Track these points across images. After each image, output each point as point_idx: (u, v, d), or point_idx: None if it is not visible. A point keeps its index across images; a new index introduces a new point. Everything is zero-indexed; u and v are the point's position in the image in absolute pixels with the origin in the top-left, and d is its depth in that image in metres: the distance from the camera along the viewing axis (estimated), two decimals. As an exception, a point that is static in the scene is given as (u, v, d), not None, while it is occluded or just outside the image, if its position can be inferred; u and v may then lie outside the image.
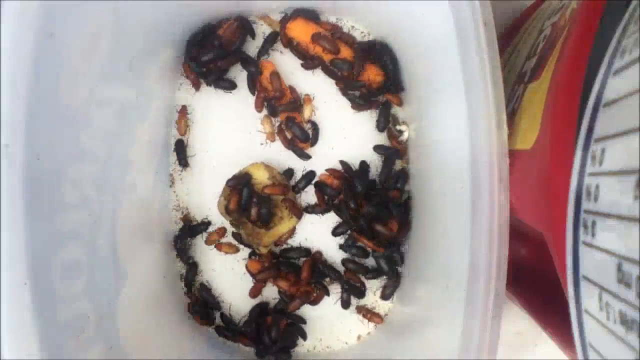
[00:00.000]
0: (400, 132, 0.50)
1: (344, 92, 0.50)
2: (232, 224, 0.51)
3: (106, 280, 0.41)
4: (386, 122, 0.50)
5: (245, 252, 0.52)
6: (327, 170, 0.51)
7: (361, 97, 0.50)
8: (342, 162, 0.51)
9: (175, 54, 0.51)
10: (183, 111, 0.52)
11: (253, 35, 0.51)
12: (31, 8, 0.33)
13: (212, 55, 0.49)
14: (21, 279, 0.33)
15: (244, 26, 0.50)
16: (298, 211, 0.50)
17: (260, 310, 0.51)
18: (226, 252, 0.52)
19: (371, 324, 0.51)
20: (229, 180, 0.50)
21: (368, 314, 0.50)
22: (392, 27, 0.47)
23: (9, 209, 0.33)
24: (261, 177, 0.50)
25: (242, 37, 0.50)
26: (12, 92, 0.33)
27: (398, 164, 0.51)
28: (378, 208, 0.47)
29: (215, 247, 0.52)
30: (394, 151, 0.50)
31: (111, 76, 0.42)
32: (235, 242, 0.52)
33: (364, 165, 0.50)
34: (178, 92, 0.53)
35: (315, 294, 0.51)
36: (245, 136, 0.52)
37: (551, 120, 0.26)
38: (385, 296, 0.50)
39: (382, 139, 0.51)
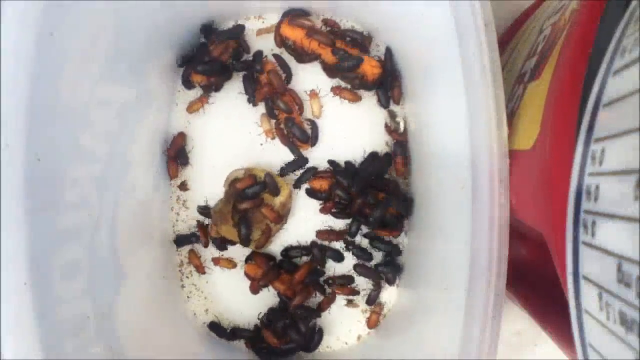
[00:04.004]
0: (398, 123, 0.50)
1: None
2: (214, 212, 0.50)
3: (106, 280, 0.41)
4: (387, 99, 0.50)
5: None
6: (313, 175, 0.51)
7: (357, 87, 0.50)
8: (330, 162, 0.51)
9: (175, 55, 0.51)
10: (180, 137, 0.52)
11: (248, 51, 0.52)
12: (31, 8, 0.33)
13: (210, 69, 0.49)
14: (21, 279, 0.33)
15: (239, 44, 0.51)
16: (267, 235, 0.49)
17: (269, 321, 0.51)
18: (225, 267, 0.52)
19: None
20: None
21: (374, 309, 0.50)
22: (392, 27, 0.47)
23: (9, 209, 0.33)
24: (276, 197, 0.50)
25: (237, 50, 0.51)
26: (12, 92, 0.33)
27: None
28: (372, 196, 0.48)
29: (212, 260, 0.52)
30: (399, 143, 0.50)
31: (111, 76, 0.41)
32: (232, 258, 0.52)
33: (348, 164, 0.51)
34: (178, 93, 0.53)
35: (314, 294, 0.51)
36: (245, 136, 0.52)
37: (551, 120, 0.26)
38: (389, 281, 0.50)
39: (382, 137, 0.51)
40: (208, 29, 0.51)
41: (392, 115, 0.51)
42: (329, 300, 0.50)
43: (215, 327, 0.52)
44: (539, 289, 0.35)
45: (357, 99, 0.50)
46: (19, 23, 0.33)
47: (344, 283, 0.50)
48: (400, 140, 0.50)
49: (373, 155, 0.50)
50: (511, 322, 0.52)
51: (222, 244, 0.51)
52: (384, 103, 0.50)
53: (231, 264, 0.52)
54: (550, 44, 0.32)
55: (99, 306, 0.39)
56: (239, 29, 0.51)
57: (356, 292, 0.51)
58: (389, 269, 0.49)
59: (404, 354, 0.43)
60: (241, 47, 0.51)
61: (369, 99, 0.51)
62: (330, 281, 0.51)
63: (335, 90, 0.50)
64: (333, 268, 0.52)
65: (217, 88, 0.52)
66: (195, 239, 0.52)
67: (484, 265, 0.31)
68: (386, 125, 0.51)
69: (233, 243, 0.51)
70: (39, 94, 0.34)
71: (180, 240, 0.52)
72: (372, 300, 0.50)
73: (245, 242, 0.49)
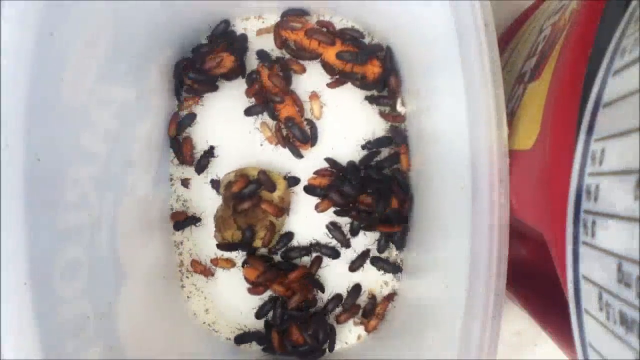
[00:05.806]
0: (393, 105, 0.51)
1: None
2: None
3: (106, 280, 0.41)
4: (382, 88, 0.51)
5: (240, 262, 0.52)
6: (314, 172, 0.51)
7: (358, 86, 0.50)
8: (327, 159, 0.51)
9: (175, 55, 0.51)
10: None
11: (244, 75, 0.51)
12: (31, 8, 0.33)
13: (197, 78, 0.49)
14: (21, 279, 0.33)
15: (238, 60, 0.50)
16: (271, 232, 0.49)
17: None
18: (224, 267, 0.52)
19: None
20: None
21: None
22: (392, 27, 0.47)
23: (9, 209, 0.33)
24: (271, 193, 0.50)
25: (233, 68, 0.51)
26: (12, 92, 0.33)
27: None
28: (374, 190, 0.48)
29: (211, 262, 0.52)
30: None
31: (111, 76, 0.41)
32: (231, 257, 0.52)
33: (350, 162, 0.51)
34: (178, 92, 0.53)
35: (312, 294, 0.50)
36: (245, 136, 0.52)
37: (551, 120, 0.26)
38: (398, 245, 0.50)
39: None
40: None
41: (389, 104, 0.51)
42: (351, 314, 0.50)
43: (242, 337, 0.51)
44: (539, 289, 0.35)
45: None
46: (19, 23, 0.33)
47: (341, 302, 0.50)
48: (396, 123, 0.50)
49: (387, 139, 0.50)
50: (511, 322, 0.52)
51: (230, 248, 0.51)
52: (378, 89, 0.50)
53: (230, 263, 0.52)
54: (550, 44, 0.32)
55: (99, 306, 0.39)
56: (243, 38, 0.51)
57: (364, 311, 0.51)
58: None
59: (403, 353, 0.43)
60: (238, 64, 0.50)
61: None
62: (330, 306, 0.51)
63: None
64: (321, 298, 0.51)
65: (198, 93, 0.52)
66: (195, 221, 0.52)
67: (484, 265, 0.31)
68: (383, 114, 0.51)
69: (240, 245, 0.50)
70: (39, 94, 0.34)
71: (178, 224, 0.52)
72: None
73: (249, 244, 0.49)
